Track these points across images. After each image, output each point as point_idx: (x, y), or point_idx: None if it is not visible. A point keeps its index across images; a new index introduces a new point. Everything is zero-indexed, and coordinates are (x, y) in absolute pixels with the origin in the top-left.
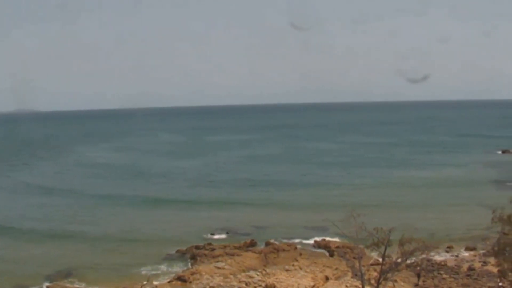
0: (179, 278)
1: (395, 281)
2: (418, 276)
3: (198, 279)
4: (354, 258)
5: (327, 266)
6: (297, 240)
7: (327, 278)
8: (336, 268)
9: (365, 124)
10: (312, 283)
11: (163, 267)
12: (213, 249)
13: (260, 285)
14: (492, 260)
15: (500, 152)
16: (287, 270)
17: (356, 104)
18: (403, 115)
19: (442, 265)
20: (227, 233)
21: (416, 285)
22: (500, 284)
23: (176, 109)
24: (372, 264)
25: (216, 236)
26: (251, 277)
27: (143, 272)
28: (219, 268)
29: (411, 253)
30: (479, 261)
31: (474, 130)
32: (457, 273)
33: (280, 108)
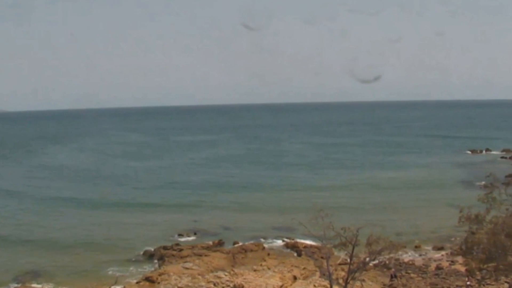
0: (147, 279)
1: (363, 280)
2: (394, 276)
3: (166, 280)
4: (322, 257)
5: (295, 266)
6: (265, 240)
7: (295, 278)
8: (304, 268)
9: (324, 125)
10: (280, 283)
11: (131, 268)
12: (181, 250)
13: (228, 285)
14: (459, 259)
15: (468, 152)
16: (255, 270)
17: (308, 105)
18: (360, 115)
19: (410, 265)
20: (195, 234)
21: (389, 285)
22: (468, 283)
23: (126, 109)
24: (340, 264)
25: (184, 237)
26: (219, 277)
27: (111, 273)
28: (187, 268)
29: (378, 253)
30: (447, 260)
31: (438, 130)
32: (425, 272)
33: (232, 109)
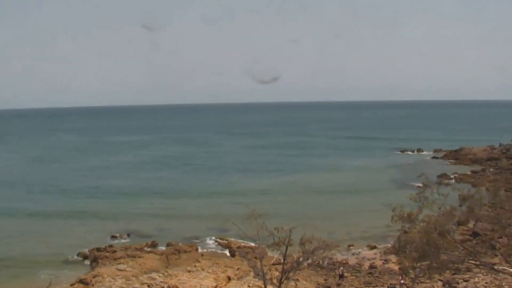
0: (81, 281)
1: (297, 280)
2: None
3: (100, 282)
4: (255, 258)
5: (229, 267)
6: (198, 241)
7: (229, 279)
8: (238, 268)
9: (235, 126)
10: (214, 284)
11: (65, 271)
12: (114, 251)
13: (163, 287)
14: (393, 258)
15: (399, 153)
16: (189, 271)
17: (208, 106)
18: (269, 116)
19: (343, 264)
20: (128, 235)
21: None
22: (402, 281)
23: (27, 111)
24: (273, 264)
25: (117, 239)
26: (153, 278)
27: (44, 277)
28: (121, 270)
29: (312, 252)
30: (380, 259)
31: (363, 131)
32: (359, 271)
33: (137, 110)
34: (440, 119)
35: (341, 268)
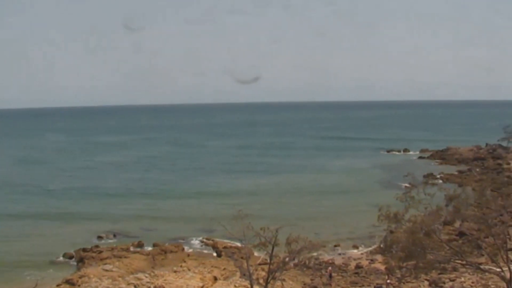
0: (67, 282)
1: (284, 280)
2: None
3: (87, 282)
4: (242, 258)
5: (215, 267)
6: (184, 241)
7: (215, 279)
8: (224, 269)
9: (218, 126)
10: (200, 284)
11: (51, 271)
12: (100, 252)
13: (149, 287)
14: (379, 257)
15: (385, 153)
16: (175, 271)
17: (189, 106)
18: (251, 116)
19: (330, 264)
20: (114, 236)
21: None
22: (388, 281)
23: (10, 111)
24: (260, 264)
25: (103, 239)
26: (139, 279)
27: (29, 278)
28: (107, 270)
29: (298, 252)
30: (367, 259)
31: (348, 132)
32: (345, 271)
33: (119, 110)
34: (424, 119)
35: (330, 268)
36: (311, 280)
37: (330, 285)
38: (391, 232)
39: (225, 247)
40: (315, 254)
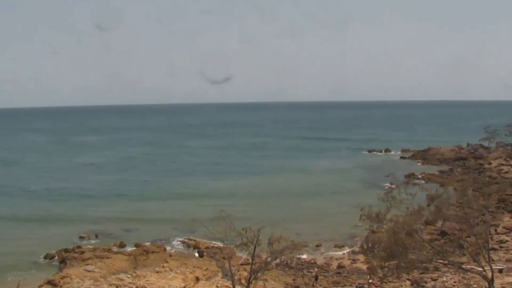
0: (49, 282)
1: (266, 280)
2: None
3: (69, 283)
4: (224, 258)
5: (197, 267)
6: (166, 242)
7: (197, 279)
8: (206, 269)
9: (193, 126)
10: (182, 284)
11: (32, 272)
12: (82, 252)
13: None
14: (361, 257)
15: (366, 152)
16: (157, 272)
17: (158, 106)
18: (224, 117)
19: (312, 263)
20: (96, 236)
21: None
22: (370, 281)
23: None
24: (242, 264)
25: (85, 240)
26: (121, 279)
27: (11, 279)
28: (89, 271)
29: (280, 252)
30: (348, 259)
31: (327, 132)
32: (327, 271)
33: (88, 110)
34: (400, 119)
35: (316, 269)
36: (293, 280)
37: (314, 286)
38: (373, 232)
39: (207, 247)
40: (297, 254)
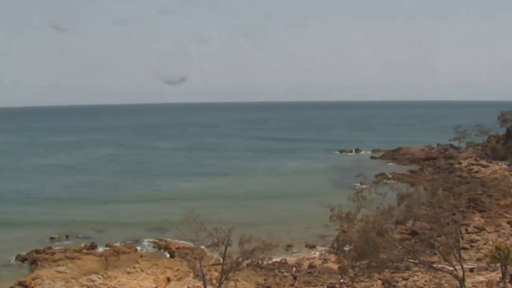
0: (21, 284)
1: (237, 280)
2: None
3: (40, 284)
4: (195, 258)
5: (168, 268)
6: (137, 242)
7: (168, 280)
8: (178, 269)
9: (158, 127)
10: (154, 285)
11: (3, 273)
12: (53, 253)
13: None
14: (332, 257)
15: (337, 152)
16: (128, 273)
17: (115, 107)
18: (184, 118)
19: (283, 264)
20: (67, 237)
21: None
22: (341, 280)
23: None
24: (213, 264)
25: (56, 241)
26: (92, 280)
27: None
28: (60, 272)
29: (251, 252)
30: (320, 259)
31: (292, 132)
32: (298, 271)
33: (46, 110)
34: (365, 120)
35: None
36: (265, 280)
37: (294, 285)
38: (344, 231)
39: (178, 248)
40: (268, 254)
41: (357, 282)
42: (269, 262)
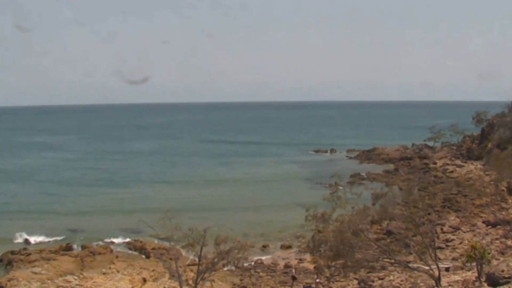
0: None
1: (213, 280)
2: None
3: (16, 286)
4: (170, 259)
5: (144, 268)
6: (113, 243)
7: (144, 280)
8: (153, 270)
9: (116, 129)
10: (130, 286)
11: None
12: (29, 254)
13: None
14: (307, 257)
15: (312, 152)
16: (104, 274)
17: (75, 107)
18: (146, 118)
19: (258, 264)
20: (42, 238)
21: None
22: (317, 280)
23: None
24: (189, 265)
25: (32, 241)
26: (68, 281)
27: None
28: (36, 273)
29: (227, 253)
30: (295, 259)
31: (264, 134)
32: (274, 271)
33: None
34: (329, 120)
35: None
36: (241, 280)
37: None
38: (319, 231)
39: (153, 248)
40: (243, 254)
41: (333, 282)
42: (249, 263)
